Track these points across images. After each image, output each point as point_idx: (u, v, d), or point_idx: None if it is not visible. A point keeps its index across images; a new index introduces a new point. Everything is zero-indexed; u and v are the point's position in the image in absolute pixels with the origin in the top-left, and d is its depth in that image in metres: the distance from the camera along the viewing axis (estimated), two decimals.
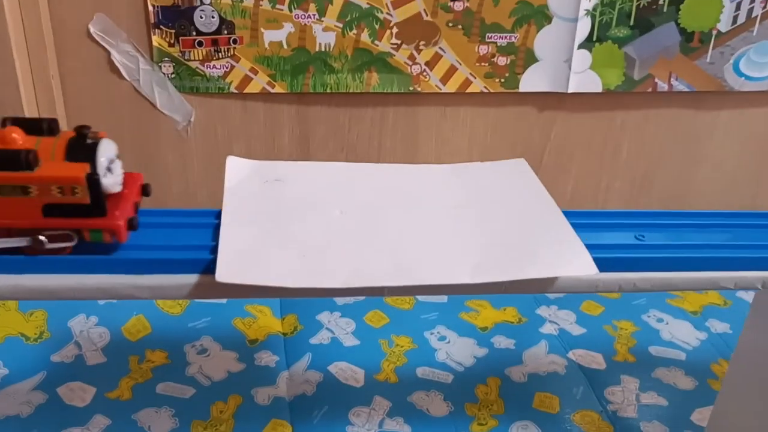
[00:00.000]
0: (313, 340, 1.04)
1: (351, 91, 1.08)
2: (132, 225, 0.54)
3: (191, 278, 0.51)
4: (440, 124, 1.14)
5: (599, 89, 1.12)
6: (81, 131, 0.53)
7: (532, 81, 1.10)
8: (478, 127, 1.15)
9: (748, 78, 1.15)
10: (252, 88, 1.05)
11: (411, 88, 1.09)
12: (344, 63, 1.05)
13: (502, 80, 1.10)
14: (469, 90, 1.10)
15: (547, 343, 1.07)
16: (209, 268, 0.51)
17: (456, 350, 1.05)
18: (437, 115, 1.13)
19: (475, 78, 1.09)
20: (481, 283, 0.52)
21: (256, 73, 1.04)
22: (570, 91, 1.11)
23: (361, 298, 1.15)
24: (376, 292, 0.51)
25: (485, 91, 1.10)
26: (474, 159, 1.18)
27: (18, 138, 0.53)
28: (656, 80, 1.13)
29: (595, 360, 1.04)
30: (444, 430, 0.90)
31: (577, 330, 1.10)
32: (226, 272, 0.50)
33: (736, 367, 0.81)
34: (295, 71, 1.05)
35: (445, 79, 1.09)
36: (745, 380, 0.79)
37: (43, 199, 0.52)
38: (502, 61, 1.08)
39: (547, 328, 1.10)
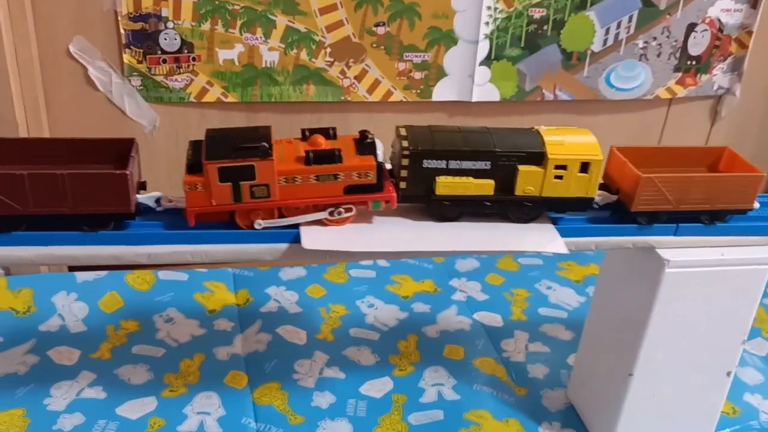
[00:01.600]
0: (263, 309, 1.25)
1: (292, 100, 1.28)
2: (399, 197, 0.78)
3: (283, 246, 0.77)
4: (368, 127, 1.35)
5: (497, 98, 1.36)
6: (364, 134, 0.77)
7: (442, 92, 1.33)
8: None
9: (618, 89, 1.41)
10: (208, 98, 1.25)
11: (342, 98, 1.30)
12: (286, 77, 1.26)
13: (418, 91, 1.32)
14: (391, 99, 1.32)
15: (457, 307, 1.30)
16: (296, 239, 0.76)
17: (382, 314, 1.27)
18: (365, 120, 1.35)
19: (395, 90, 1.31)
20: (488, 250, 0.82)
21: (212, 85, 1.24)
22: (474, 100, 1.34)
23: (303, 273, 1.36)
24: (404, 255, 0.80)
25: (404, 100, 1.33)
26: None
27: (322, 142, 0.75)
28: (543, 91, 1.38)
29: (494, 319, 1.28)
30: (371, 375, 1.12)
31: (481, 297, 1.34)
32: (309, 242, 0.74)
33: (592, 317, 1.05)
34: (245, 84, 1.25)
35: (371, 91, 1.30)
36: (597, 326, 1.04)
37: (346, 181, 0.74)
38: (417, 75, 1.31)
39: (458, 296, 1.34)
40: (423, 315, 1.27)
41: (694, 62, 1.43)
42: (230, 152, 0.70)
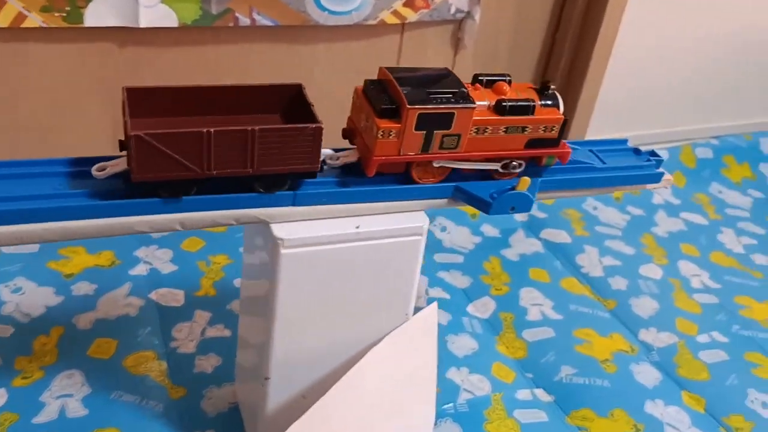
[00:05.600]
0: None
1: None
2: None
3: None
4: (11, 63, 1.05)
5: (176, 24, 1.09)
6: (546, 84, 0.71)
7: (98, 15, 1.05)
8: (58, 66, 1.08)
9: (331, 12, 1.18)
10: None
11: None
12: None
13: (63, 15, 1.03)
14: (25, 25, 1.02)
15: (131, 285, 1.06)
16: None
17: (28, 302, 1.00)
18: (2, 53, 1.04)
19: (30, 12, 1.01)
20: None
21: None
22: (142, 25, 1.07)
23: None
24: None
25: (45, 26, 1.03)
26: (75, 94, 1.11)
27: (507, 90, 0.70)
28: (237, 14, 1.12)
29: (175, 297, 1.05)
30: None
31: (168, 268, 1.11)
32: None
33: (241, 307, 0.85)
34: None
35: None
36: (243, 318, 0.84)
37: (531, 135, 0.70)
38: None
39: (139, 269, 1.10)
40: (82, 299, 1.02)
41: None
42: (429, 97, 0.65)
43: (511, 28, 1.39)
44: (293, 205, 0.67)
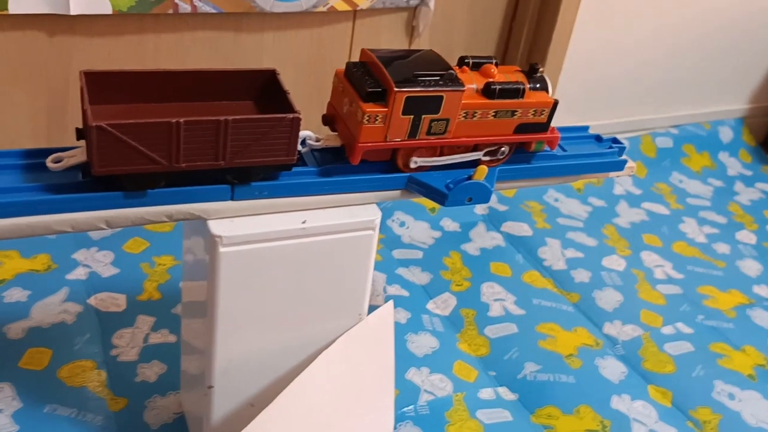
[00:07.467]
0: None
1: None
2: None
3: None
4: None
5: (109, 11, 1.02)
6: (534, 66, 0.68)
7: (25, 1, 0.97)
8: None
9: None
10: None
11: None
12: None
13: None
14: None
15: (69, 290, 0.99)
16: None
17: None
18: None
19: None
20: None
21: None
22: (73, 12, 1.00)
23: None
24: None
25: None
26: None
27: (495, 73, 0.66)
28: (176, 0, 1.06)
29: (115, 302, 0.98)
30: None
31: (109, 271, 1.04)
32: None
33: (183, 309, 0.79)
34: None
35: None
36: (186, 321, 0.78)
37: (520, 119, 0.67)
38: None
39: (77, 273, 1.03)
40: (14, 307, 0.95)
41: None
42: (417, 80, 0.62)
43: (467, 16, 1.35)
44: (232, 199, 0.62)
